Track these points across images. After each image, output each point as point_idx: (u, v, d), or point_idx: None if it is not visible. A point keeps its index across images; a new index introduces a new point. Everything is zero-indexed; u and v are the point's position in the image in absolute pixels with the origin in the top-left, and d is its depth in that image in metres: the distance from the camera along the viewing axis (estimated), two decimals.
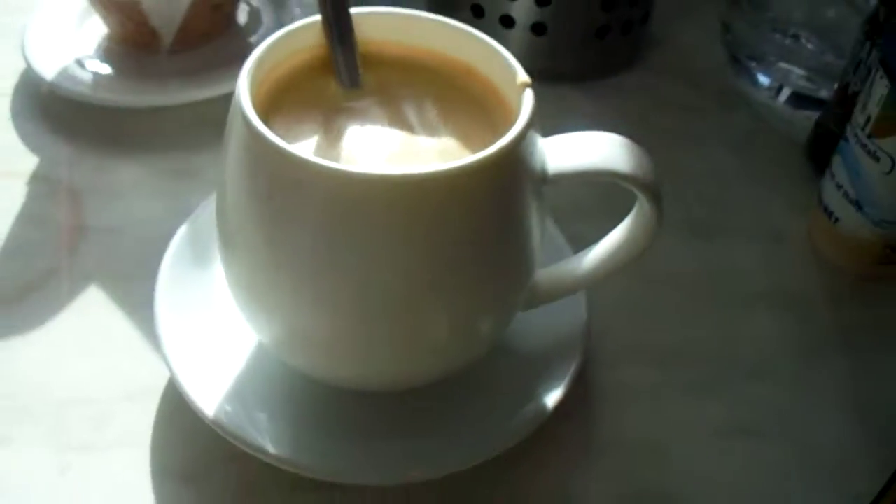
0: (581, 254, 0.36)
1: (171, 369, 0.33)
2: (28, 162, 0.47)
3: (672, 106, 0.56)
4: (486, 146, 0.29)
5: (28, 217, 0.44)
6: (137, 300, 0.39)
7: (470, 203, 0.28)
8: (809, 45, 0.57)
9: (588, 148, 0.31)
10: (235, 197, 0.30)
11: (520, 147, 0.29)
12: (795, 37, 0.57)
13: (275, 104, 0.32)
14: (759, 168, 0.53)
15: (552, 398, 0.34)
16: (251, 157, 0.28)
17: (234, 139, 0.29)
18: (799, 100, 0.56)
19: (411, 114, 0.32)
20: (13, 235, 0.43)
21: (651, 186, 0.32)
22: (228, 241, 0.31)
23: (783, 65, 0.57)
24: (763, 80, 0.58)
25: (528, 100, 0.30)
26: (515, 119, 0.31)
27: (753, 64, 0.58)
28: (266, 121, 0.29)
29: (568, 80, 0.56)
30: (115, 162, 0.48)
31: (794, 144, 0.54)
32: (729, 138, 0.54)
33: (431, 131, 0.32)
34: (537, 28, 0.54)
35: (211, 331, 0.36)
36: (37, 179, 0.46)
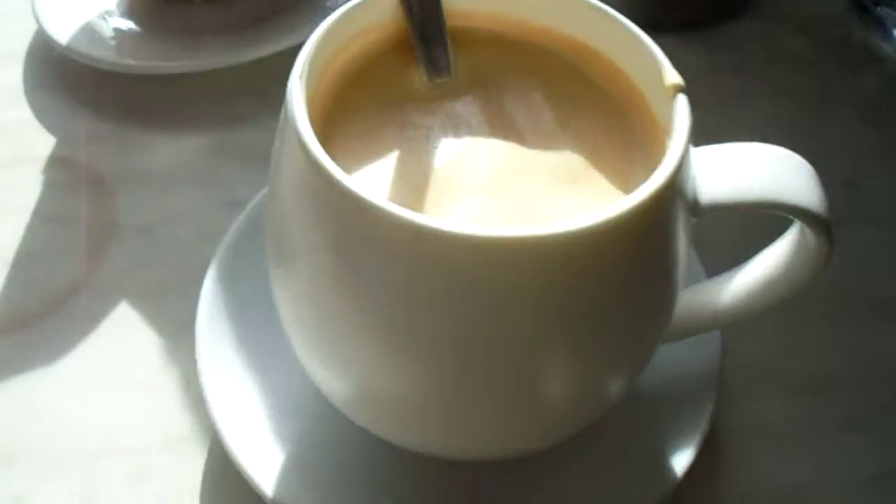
0: (719, 282, 0.28)
1: (220, 437, 0.27)
2: (44, 143, 0.41)
3: (787, 62, 0.48)
4: (620, 163, 0.22)
5: (45, 214, 0.38)
6: (177, 320, 0.33)
7: (608, 262, 0.21)
8: None
9: (747, 170, 0.24)
10: (297, 242, 0.23)
11: (674, 184, 0.21)
12: None
13: (340, 105, 0.25)
14: (891, 141, 0.44)
15: (681, 461, 0.28)
16: (316, 199, 0.21)
17: (288, 165, 0.22)
18: None
19: (518, 114, 0.25)
20: (29, 238, 0.37)
21: (825, 220, 0.24)
22: (288, 288, 0.24)
23: None
24: None
25: (681, 112, 0.23)
26: (659, 126, 0.24)
27: (884, 11, 0.49)
28: (329, 129, 0.23)
29: (671, 30, 0.47)
30: (144, 139, 0.41)
31: None
32: (855, 102, 0.46)
33: (546, 140, 0.24)
34: None
35: (265, 378, 0.29)
36: (54, 164, 0.40)
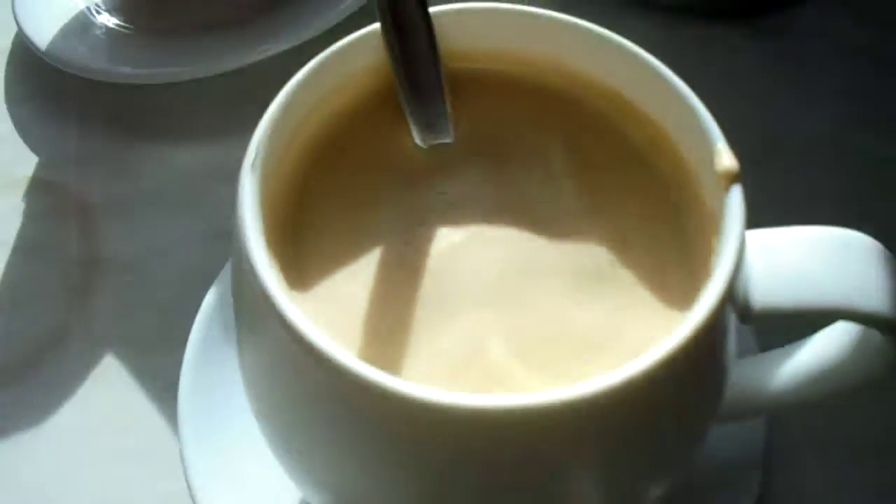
0: (769, 364, 0.24)
1: None
2: (26, 164, 0.37)
3: (855, 56, 0.41)
4: (656, 256, 0.18)
5: (27, 246, 0.35)
6: (163, 377, 0.29)
7: (645, 412, 0.16)
8: None
9: (809, 267, 0.19)
10: (272, 403, 0.19)
11: (725, 307, 0.17)
12: None
13: (311, 185, 0.20)
14: None
15: None
16: (287, 361, 0.17)
17: (242, 289, 0.18)
18: None
19: (533, 187, 0.20)
20: (7, 276, 0.34)
21: None
22: (264, 425, 0.20)
23: None
24: None
25: (735, 207, 0.18)
26: (706, 209, 0.19)
27: None
28: (298, 220, 0.19)
29: (724, 18, 0.41)
30: (133, 158, 0.37)
31: None
32: None
33: (568, 224, 0.20)
34: None
35: (253, 464, 0.26)
36: (37, 189, 0.36)
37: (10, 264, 0.34)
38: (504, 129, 0.21)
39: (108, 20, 0.40)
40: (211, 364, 0.28)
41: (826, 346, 0.22)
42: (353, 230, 0.19)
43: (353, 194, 0.20)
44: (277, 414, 0.19)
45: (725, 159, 0.18)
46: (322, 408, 0.17)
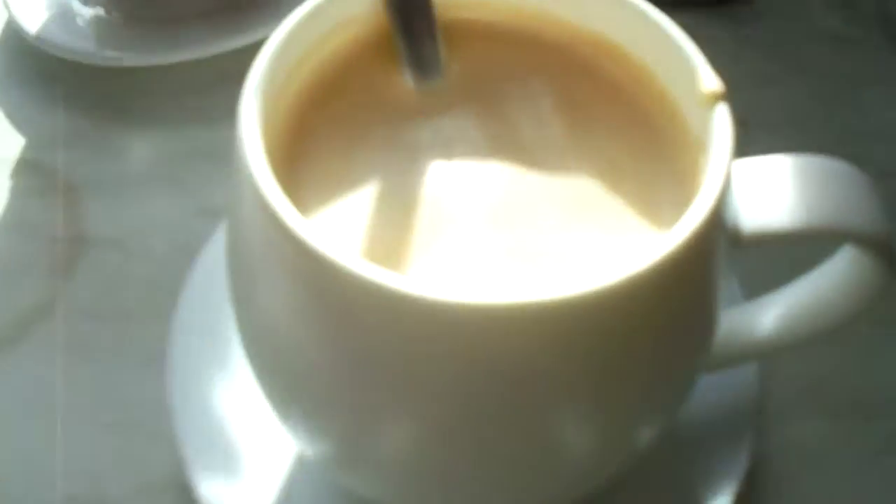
0: (758, 307, 0.24)
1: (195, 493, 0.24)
2: (13, 144, 0.37)
3: (828, 40, 0.42)
4: (644, 184, 0.18)
5: (14, 223, 0.35)
6: (150, 348, 0.29)
7: (637, 321, 0.17)
8: None
9: (797, 190, 0.19)
10: (261, 303, 0.19)
11: (715, 219, 0.17)
12: None
13: (309, 121, 0.20)
14: None
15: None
16: (279, 260, 0.17)
17: (243, 207, 0.18)
18: None
19: (524, 124, 0.21)
20: None
21: (888, 248, 0.20)
22: (255, 348, 0.21)
23: None
24: None
25: (721, 126, 0.18)
26: (692, 138, 0.19)
27: None
28: (295, 152, 0.19)
29: (697, 3, 0.42)
30: (119, 138, 0.37)
31: None
32: None
33: (557, 157, 0.20)
34: None
35: (243, 425, 0.26)
36: (25, 168, 0.36)
37: None
38: (493, 74, 0.22)
39: (94, 9, 0.40)
40: (199, 333, 0.28)
41: (815, 280, 0.23)
42: (349, 163, 0.20)
43: (348, 131, 0.20)
44: (272, 335, 0.19)
45: (708, 81, 0.19)
46: (323, 313, 0.17)
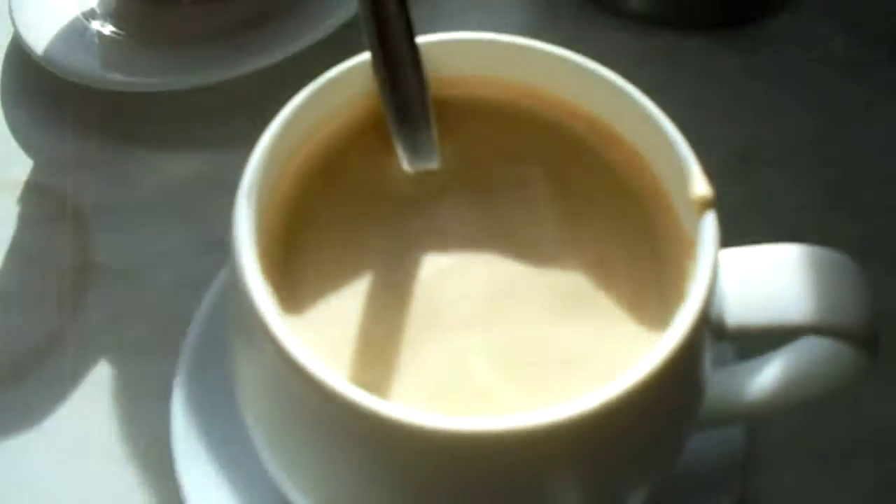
0: (749, 372, 0.25)
1: None
2: (21, 167, 0.38)
3: (838, 64, 0.42)
4: (633, 279, 0.19)
5: (22, 250, 0.35)
6: (156, 386, 0.30)
7: (629, 431, 0.18)
8: None
9: (781, 285, 0.20)
10: (262, 417, 0.20)
11: (698, 331, 0.18)
12: None
13: (303, 212, 0.21)
14: None
15: None
16: (278, 381, 0.18)
17: (237, 309, 0.19)
18: None
19: (517, 211, 0.21)
20: (2, 280, 0.34)
21: (869, 341, 0.21)
22: (255, 431, 0.21)
23: None
24: None
25: (709, 233, 0.19)
26: (685, 234, 0.20)
27: None
28: (291, 244, 0.19)
29: (701, 29, 0.42)
30: (129, 164, 0.37)
31: None
32: None
33: (549, 253, 0.21)
34: None
35: (247, 467, 0.27)
36: (33, 192, 0.37)
37: (4, 268, 0.35)
38: (488, 155, 0.22)
39: (103, 27, 0.40)
40: (204, 371, 0.28)
41: (799, 358, 0.23)
42: (343, 255, 0.20)
43: (343, 220, 0.21)
44: (267, 428, 0.20)
45: (699, 186, 0.19)
46: (311, 427, 0.17)
